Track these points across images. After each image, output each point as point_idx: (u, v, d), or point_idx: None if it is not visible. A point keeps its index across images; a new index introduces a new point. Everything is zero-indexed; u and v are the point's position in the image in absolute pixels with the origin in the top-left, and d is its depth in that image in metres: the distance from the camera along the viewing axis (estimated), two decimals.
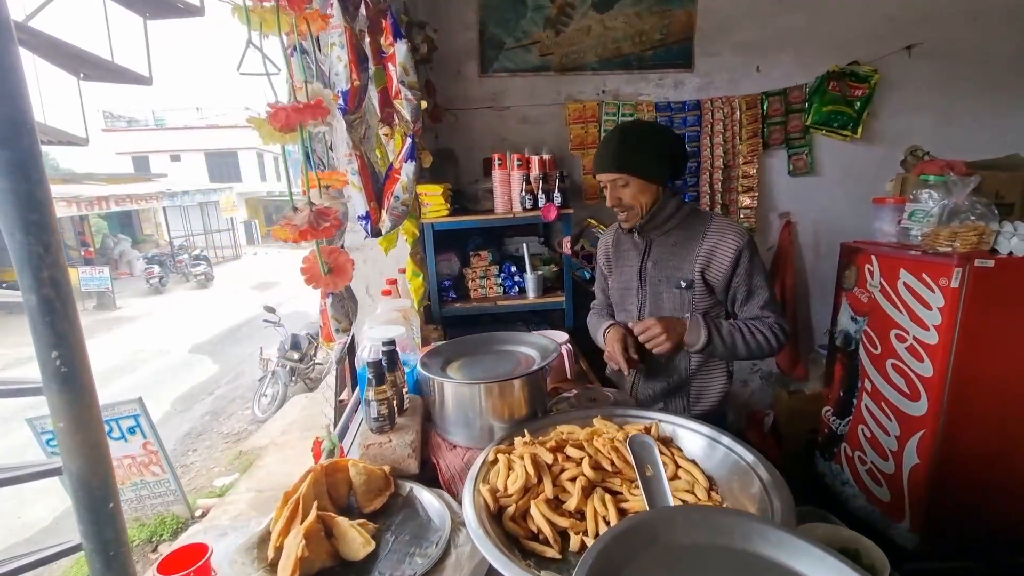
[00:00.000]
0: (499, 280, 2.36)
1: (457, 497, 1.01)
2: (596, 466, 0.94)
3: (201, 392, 7.37)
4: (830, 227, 2.88)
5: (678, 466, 0.95)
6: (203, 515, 4.08)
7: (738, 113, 2.72)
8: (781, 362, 3.09)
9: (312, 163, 0.83)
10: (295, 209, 0.69)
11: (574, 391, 1.28)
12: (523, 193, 2.20)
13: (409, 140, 0.96)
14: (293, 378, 6.84)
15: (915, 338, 2.15)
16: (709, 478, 0.93)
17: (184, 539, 3.26)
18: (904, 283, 2.18)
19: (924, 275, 2.10)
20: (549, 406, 1.24)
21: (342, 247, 0.98)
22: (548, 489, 0.88)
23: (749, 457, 0.85)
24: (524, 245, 2.33)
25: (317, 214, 0.67)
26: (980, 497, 2.09)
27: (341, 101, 0.86)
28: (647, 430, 1.01)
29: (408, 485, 1.03)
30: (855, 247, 2.46)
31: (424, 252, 2.17)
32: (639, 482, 0.75)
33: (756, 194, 2.79)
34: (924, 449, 2.12)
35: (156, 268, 13.67)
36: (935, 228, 2.12)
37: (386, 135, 1.29)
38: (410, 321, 1.71)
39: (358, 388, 1.30)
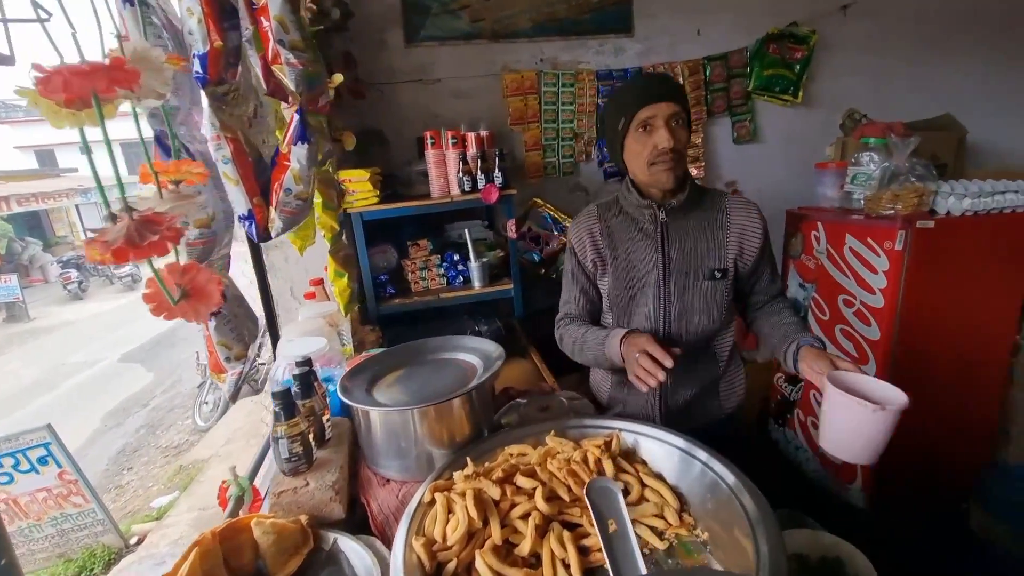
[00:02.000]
0: (441, 271, 2.17)
1: (392, 545, 0.85)
2: (552, 495, 0.81)
3: (135, 404, 6.81)
4: (775, 194, 2.85)
5: (644, 485, 0.83)
6: (139, 542, 3.75)
7: (681, 79, 2.61)
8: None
9: (172, 149, 0.63)
10: (112, 217, 0.49)
11: (524, 399, 1.14)
12: (460, 174, 2.01)
13: (296, 116, 0.76)
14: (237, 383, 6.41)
15: (862, 302, 2.15)
16: (679, 496, 0.82)
17: (116, 573, 2.96)
18: (850, 248, 2.17)
19: (869, 239, 2.09)
20: (497, 418, 1.10)
21: (225, 260, 0.78)
22: (496, 534, 0.74)
23: (730, 478, 0.73)
24: (466, 231, 2.15)
25: (140, 223, 0.48)
26: (922, 453, 2.15)
27: (198, 67, 0.66)
28: (607, 444, 0.89)
29: (332, 536, 0.86)
30: (800, 214, 2.44)
31: (353, 247, 1.95)
32: (600, 540, 0.61)
33: (703, 164, 2.72)
34: None
35: (73, 272, 12.42)
36: (877, 191, 2.11)
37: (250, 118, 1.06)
38: (339, 327, 1.51)
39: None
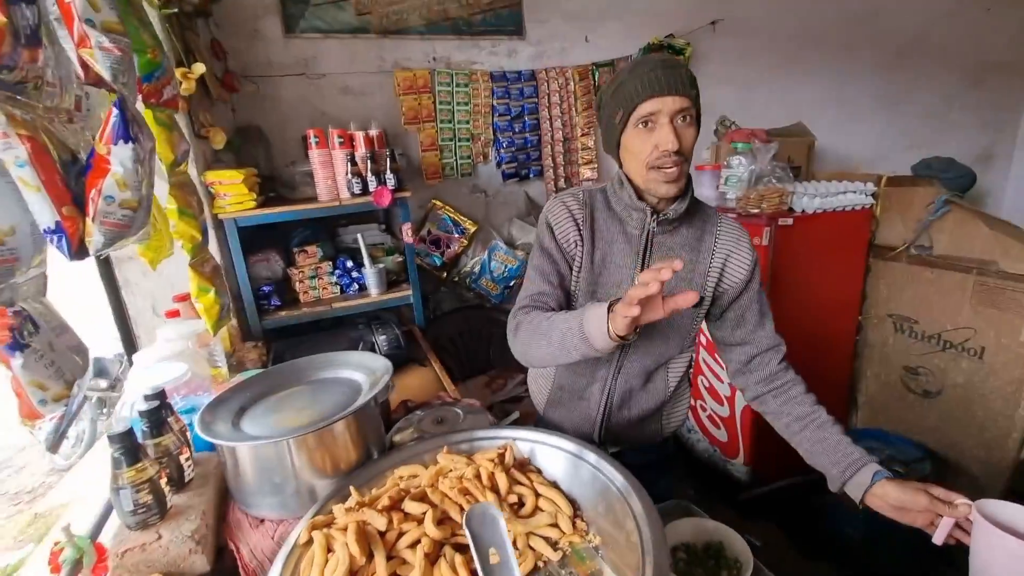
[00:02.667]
0: (334, 279, 2.03)
1: None
2: (444, 518, 0.76)
3: None
4: None
5: (538, 495, 0.82)
6: None
7: (572, 84, 2.69)
8: None
9: None
10: None
11: (422, 411, 1.09)
12: (349, 176, 1.89)
13: (115, 110, 0.63)
14: (103, 411, 5.60)
15: None
16: (573, 502, 0.82)
17: None
18: None
19: None
20: (389, 437, 1.03)
21: (38, 283, 0.64)
22: (381, 569, 0.69)
23: (619, 480, 0.73)
24: (359, 236, 2.03)
25: None
26: None
27: None
28: (501, 456, 0.87)
29: None
30: None
31: (226, 256, 1.76)
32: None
33: (596, 166, 2.82)
34: None
35: None
36: (746, 192, 2.32)
37: (57, 114, 0.88)
38: (209, 348, 1.35)
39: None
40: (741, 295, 1.06)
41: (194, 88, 1.55)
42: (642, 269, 1.03)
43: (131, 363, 1.54)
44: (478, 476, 0.82)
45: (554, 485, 0.86)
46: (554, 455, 0.89)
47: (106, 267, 1.61)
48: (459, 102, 2.53)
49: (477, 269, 2.68)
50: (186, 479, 0.88)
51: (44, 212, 0.61)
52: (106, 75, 0.65)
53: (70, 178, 0.65)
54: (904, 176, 2.48)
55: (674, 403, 1.21)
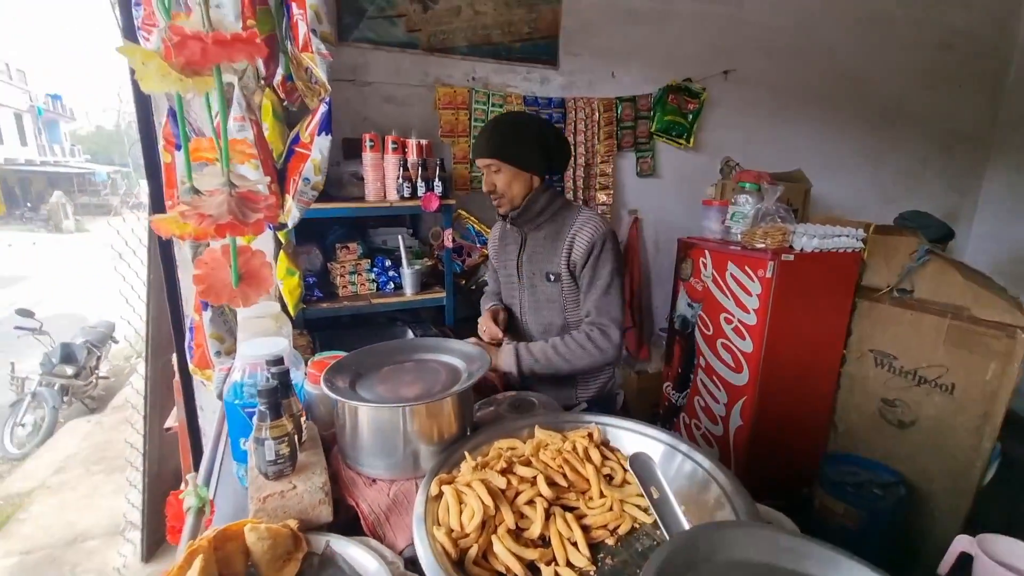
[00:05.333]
0: (372, 276, 2.12)
1: (385, 542, 0.85)
2: (550, 482, 0.87)
3: None
4: (668, 224, 3.26)
5: (625, 469, 0.93)
6: None
7: (597, 115, 2.88)
8: (629, 346, 3.42)
9: (181, 126, 0.59)
10: (195, 191, 0.45)
11: (500, 396, 1.19)
12: (400, 180, 2.00)
13: (324, 107, 0.74)
14: (65, 398, 5.38)
15: (739, 320, 2.54)
16: None
17: None
18: (731, 274, 2.56)
19: (746, 267, 2.48)
20: (477, 412, 1.13)
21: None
22: (508, 519, 0.79)
23: (706, 463, 0.86)
24: (400, 237, 2.13)
25: (241, 200, 0.45)
26: (778, 446, 2.59)
27: None
28: (590, 435, 0.98)
29: (323, 539, 0.83)
30: (690, 243, 2.81)
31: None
32: (650, 505, 0.70)
33: (611, 192, 3.00)
34: (746, 412, 2.53)
35: None
36: (751, 228, 2.53)
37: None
38: (280, 329, 1.42)
39: (224, 423, 1.01)
40: (583, 268, 1.43)
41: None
42: (518, 260, 1.55)
43: (182, 338, 1.58)
44: (574, 450, 0.94)
45: None
46: (627, 436, 1.00)
47: (165, 244, 1.66)
48: None
49: None
50: (302, 439, 0.96)
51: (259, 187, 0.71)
52: (323, 76, 0.75)
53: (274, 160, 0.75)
54: (889, 225, 2.75)
55: (588, 374, 1.56)
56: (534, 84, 2.77)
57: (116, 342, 6.16)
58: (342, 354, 1.27)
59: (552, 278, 1.48)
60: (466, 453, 0.90)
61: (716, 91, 3.13)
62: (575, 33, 2.78)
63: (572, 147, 2.92)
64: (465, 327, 2.95)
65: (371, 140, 1.98)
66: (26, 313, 5.53)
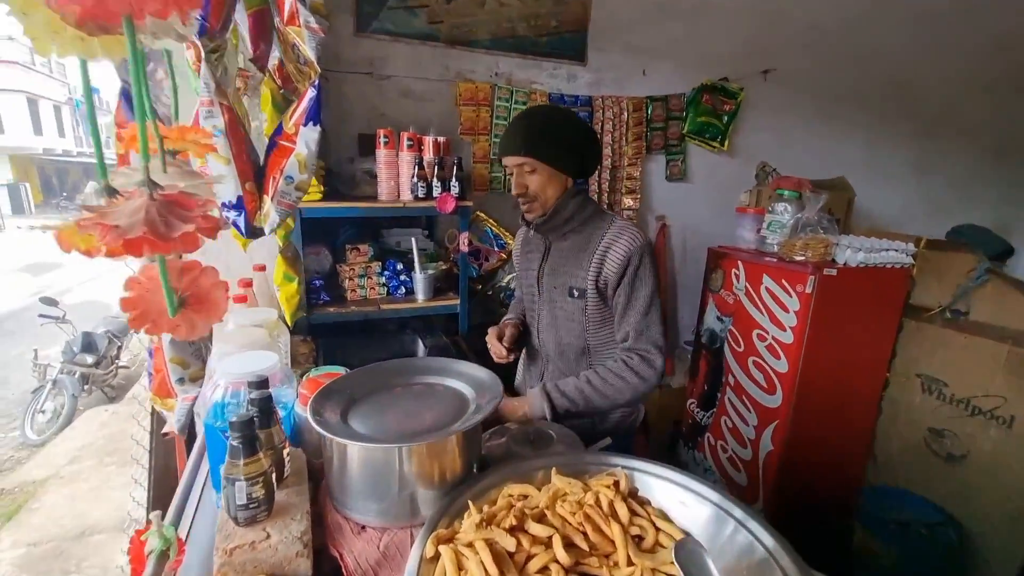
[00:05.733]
0: (382, 279, 2.00)
1: None
2: (568, 543, 0.73)
3: None
4: (697, 231, 3.08)
5: (658, 529, 0.79)
6: None
7: (625, 114, 2.73)
8: None
9: (149, 108, 0.47)
10: (112, 193, 0.34)
11: (514, 427, 1.06)
12: (415, 179, 1.88)
13: (312, 92, 0.62)
14: (86, 387, 5.44)
15: (774, 337, 2.35)
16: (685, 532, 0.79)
17: None
18: (766, 287, 2.38)
19: (784, 281, 2.30)
20: (484, 445, 1.00)
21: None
22: None
23: (768, 539, 0.69)
24: (413, 240, 2.01)
25: (166, 206, 0.33)
26: (811, 475, 2.40)
27: (198, 13, 0.50)
28: (616, 483, 0.84)
29: None
30: (722, 252, 2.63)
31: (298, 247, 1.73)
32: None
33: (639, 196, 2.84)
34: (778, 437, 2.35)
35: None
36: (789, 239, 2.34)
37: (239, 88, 0.86)
38: (276, 338, 1.31)
39: (196, 450, 0.89)
40: (618, 287, 1.27)
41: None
42: (539, 272, 1.39)
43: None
44: (598, 503, 0.80)
45: (666, 518, 0.83)
46: (657, 484, 0.86)
47: None
48: None
49: (513, 285, 2.67)
50: (284, 475, 0.84)
51: (229, 186, 0.59)
52: (311, 54, 0.63)
53: (249, 154, 0.63)
54: (942, 240, 2.53)
55: None
56: (560, 81, 2.63)
57: (137, 332, 6.23)
58: (341, 371, 1.16)
59: (576, 294, 1.31)
60: (470, 503, 0.77)
61: (754, 92, 2.94)
62: (604, 27, 2.62)
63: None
64: (479, 335, 2.83)
65: (385, 136, 1.86)
66: (50, 302, 5.61)
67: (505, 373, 1.71)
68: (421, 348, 1.81)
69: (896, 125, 3.39)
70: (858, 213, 3.30)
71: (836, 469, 2.51)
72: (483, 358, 1.98)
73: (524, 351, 1.57)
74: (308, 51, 0.62)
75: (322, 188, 1.74)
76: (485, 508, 0.80)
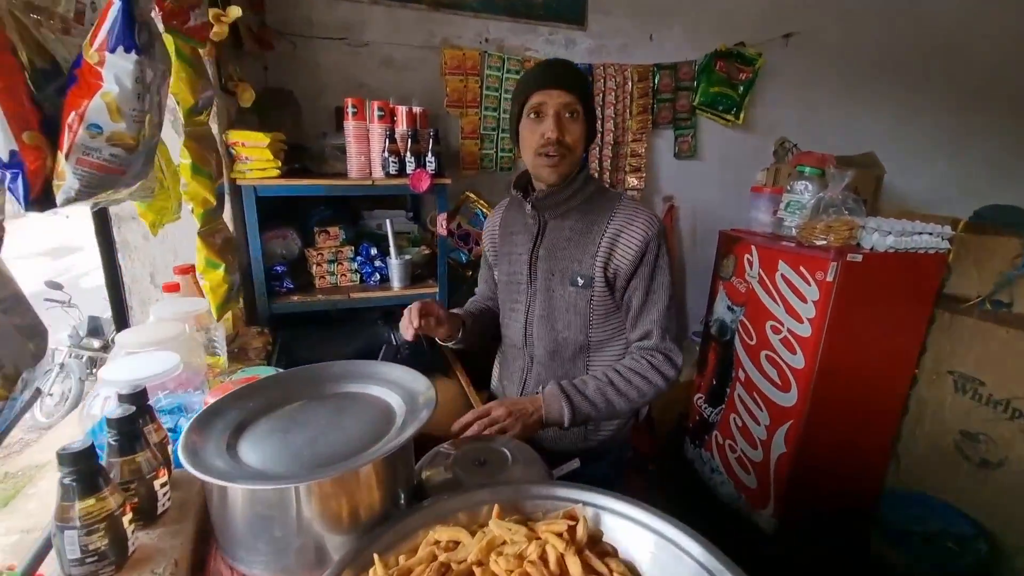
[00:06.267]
0: (355, 265, 1.83)
1: None
2: None
3: None
4: (708, 213, 2.85)
5: None
6: None
7: (630, 84, 2.49)
8: None
9: None
10: None
11: (451, 446, 0.88)
12: (386, 154, 1.69)
13: (118, 5, 0.44)
14: (92, 371, 5.45)
15: (789, 330, 2.14)
16: None
17: None
18: (782, 275, 2.16)
19: (802, 268, 2.08)
20: (417, 471, 0.83)
21: None
22: None
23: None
24: (388, 222, 1.83)
25: None
26: (827, 479, 2.20)
27: None
28: (571, 530, 0.66)
29: None
30: (734, 236, 2.41)
31: (241, 228, 1.56)
32: None
33: (643, 175, 2.62)
34: (791, 438, 2.15)
35: None
36: (809, 221, 2.11)
37: (47, 18, 0.59)
38: (209, 332, 1.15)
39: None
40: (633, 278, 1.11)
41: (226, 34, 1.36)
42: (532, 255, 1.17)
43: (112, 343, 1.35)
44: (543, 558, 0.62)
45: (633, 570, 0.66)
46: (638, 535, 0.68)
47: (103, 223, 1.42)
48: (508, 90, 2.33)
49: None
50: (159, 510, 0.68)
51: None
52: None
53: (43, 95, 0.45)
54: (984, 223, 2.27)
55: None
56: (557, 47, 2.40)
57: None
58: (272, 371, 0.99)
59: (580, 282, 1.12)
60: (376, 557, 0.60)
61: (774, 58, 2.66)
62: None
63: (600, 123, 2.54)
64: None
65: (354, 106, 1.67)
66: (55, 285, 5.61)
67: (481, 376, 1.53)
68: (396, 341, 1.64)
69: (936, 95, 3.07)
70: (888, 193, 3.02)
71: (854, 474, 2.32)
72: (466, 357, 1.81)
73: (499, 353, 1.38)
74: None
75: (279, 164, 1.57)
76: (401, 559, 0.64)
